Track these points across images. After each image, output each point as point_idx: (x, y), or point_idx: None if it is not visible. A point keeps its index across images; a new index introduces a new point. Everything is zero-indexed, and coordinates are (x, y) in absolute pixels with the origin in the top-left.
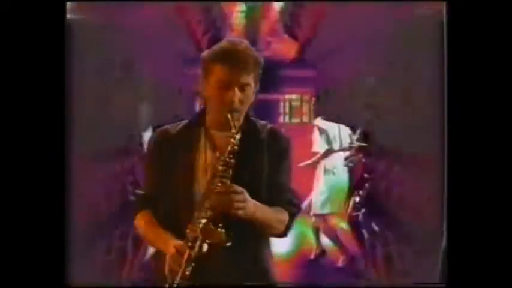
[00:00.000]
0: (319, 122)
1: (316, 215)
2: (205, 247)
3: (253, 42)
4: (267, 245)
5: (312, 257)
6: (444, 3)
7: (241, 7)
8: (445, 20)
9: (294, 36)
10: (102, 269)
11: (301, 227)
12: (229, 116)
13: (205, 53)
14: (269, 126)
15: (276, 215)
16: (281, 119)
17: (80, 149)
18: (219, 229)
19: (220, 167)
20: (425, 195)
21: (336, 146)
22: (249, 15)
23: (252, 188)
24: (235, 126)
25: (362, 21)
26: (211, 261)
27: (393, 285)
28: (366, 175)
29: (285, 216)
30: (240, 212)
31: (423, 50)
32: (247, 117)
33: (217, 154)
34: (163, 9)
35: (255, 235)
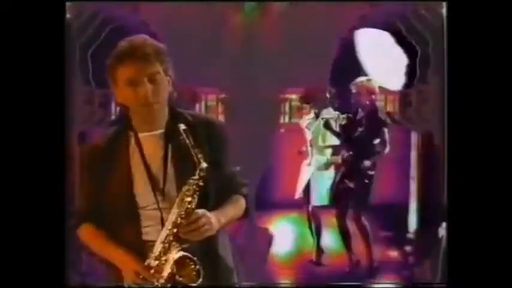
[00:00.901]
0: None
1: (315, 208)
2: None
3: (253, 42)
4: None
5: (313, 258)
6: (444, 3)
7: (241, 7)
8: (445, 20)
9: None
10: (102, 269)
11: (301, 228)
12: (181, 129)
13: (107, 61)
14: (199, 115)
15: (235, 207)
16: (281, 119)
17: (80, 149)
18: (192, 266)
19: (184, 200)
20: (425, 194)
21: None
22: (249, 15)
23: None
24: (190, 142)
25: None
26: None
27: (393, 285)
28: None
29: (241, 201)
30: (209, 233)
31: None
32: (172, 109)
33: (182, 192)
34: (163, 9)
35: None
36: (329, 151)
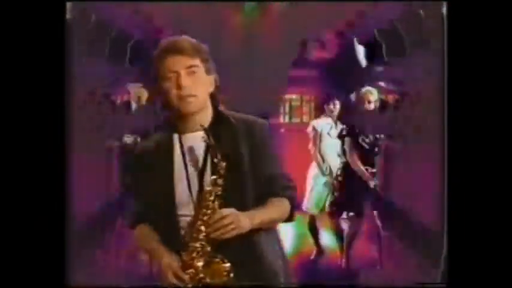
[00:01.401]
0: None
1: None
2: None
3: (253, 42)
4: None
5: (312, 257)
6: (444, 3)
7: (241, 7)
8: (445, 20)
9: None
10: (102, 269)
11: (300, 228)
12: (202, 128)
13: (152, 60)
14: (243, 116)
15: (276, 209)
16: (281, 119)
17: (80, 149)
18: (223, 265)
19: (207, 198)
20: (425, 194)
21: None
22: (249, 15)
23: (238, 184)
24: (208, 135)
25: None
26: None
27: (393, 285)
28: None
29: (285, 203)
30: (235, 233)
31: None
32: (217, 110)
33: (206, 188)
34: (163, 9)
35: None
36: (335, 159)
